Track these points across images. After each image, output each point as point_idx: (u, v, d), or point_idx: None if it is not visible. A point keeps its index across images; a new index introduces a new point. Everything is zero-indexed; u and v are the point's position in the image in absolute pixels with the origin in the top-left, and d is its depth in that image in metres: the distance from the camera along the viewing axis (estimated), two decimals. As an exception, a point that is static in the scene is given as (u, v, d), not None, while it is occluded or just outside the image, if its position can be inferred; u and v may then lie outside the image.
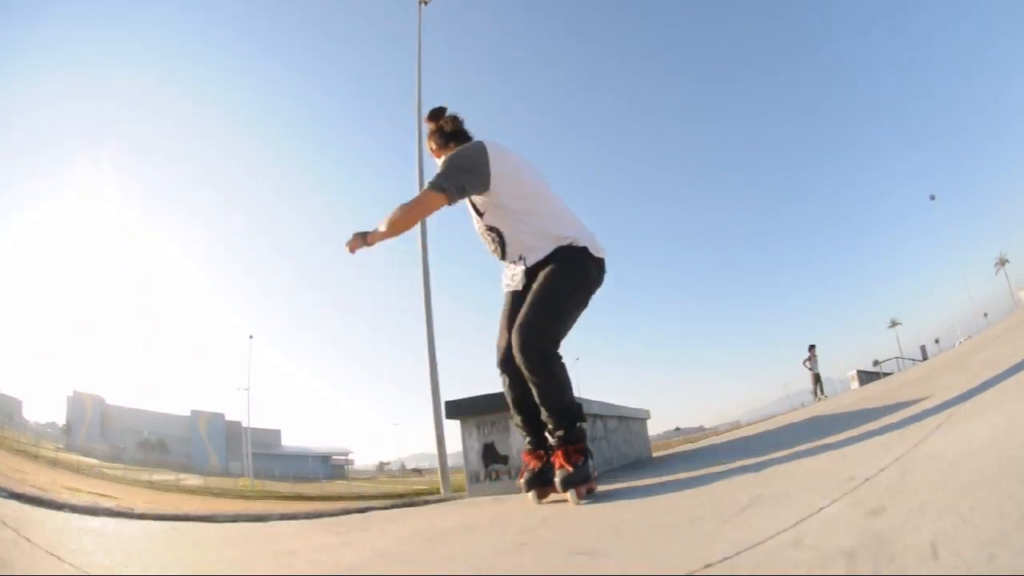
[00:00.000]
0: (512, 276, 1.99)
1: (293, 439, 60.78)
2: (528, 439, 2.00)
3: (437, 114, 2.15)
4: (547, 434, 1.89)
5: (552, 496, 1.92)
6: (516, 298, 1.96)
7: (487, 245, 2.08)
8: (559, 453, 1.81)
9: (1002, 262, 61.42)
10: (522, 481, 1.97)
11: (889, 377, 14.47)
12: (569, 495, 1.77)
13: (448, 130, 2.11)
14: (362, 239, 2.00)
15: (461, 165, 1.91)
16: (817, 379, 14.63)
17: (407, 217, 1.96)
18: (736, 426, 38.14)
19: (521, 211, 1.94)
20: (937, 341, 22.22)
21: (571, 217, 2.02)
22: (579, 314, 1.94)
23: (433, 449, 8.11)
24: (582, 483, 1.77)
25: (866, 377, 18.61)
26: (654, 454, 4.98)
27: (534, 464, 1.95)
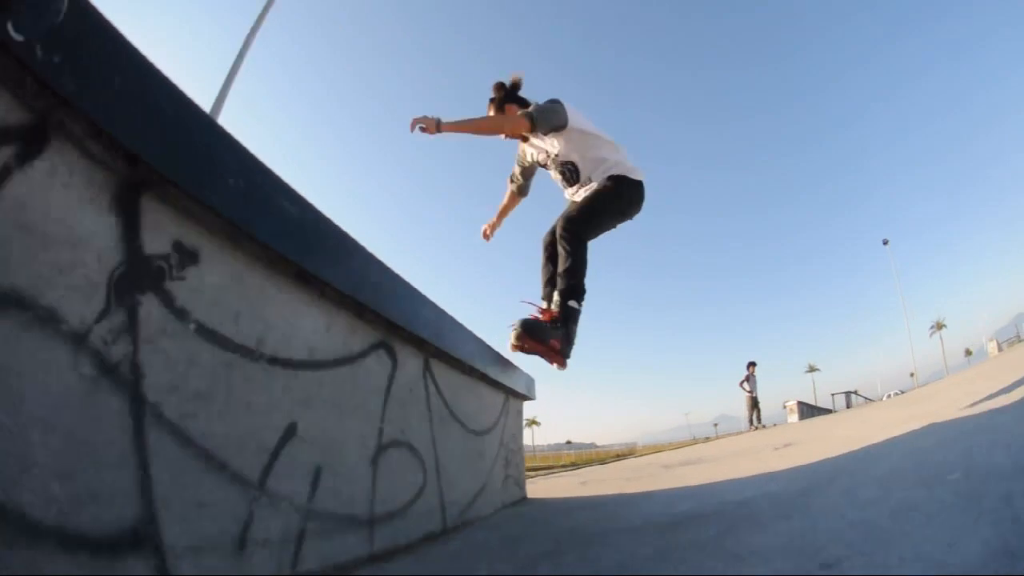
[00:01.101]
0: (576, 193, 2.48)
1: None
2: (543, 291, 2.48)
3: (501, 84, 2.51)
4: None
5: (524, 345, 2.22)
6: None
7: (559, 180, 2.54)
8: (544, 310, 2.30)
9: (939, 326, 64.10)
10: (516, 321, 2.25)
11: (831, 414, 14.14)
12: (512, 334, 2.17)
13: (510, 89, 2.50)
14: (435, 124, 2.12)
15: (548, 107, 2.33)
16: (755, 404, 12.92)
17: (494, 125, 2.35)
18: (632, 448, 37.44)
19: (588, 144, 2.39)
20: (855, 392, 22.71)
21: (618, 147, 2.47)
22: (611, 224, 2.45)
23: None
24: (533, 337, 2.16)
25: (807, 410, 18.17)
26: (532, 470, 5.17)
27: (534, 316, 2.29)
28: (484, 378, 2.79)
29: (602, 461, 11.31)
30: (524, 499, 3.39)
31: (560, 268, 2.26)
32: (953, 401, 3.45)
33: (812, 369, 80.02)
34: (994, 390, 3.17)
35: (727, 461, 3.58)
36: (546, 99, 2.37)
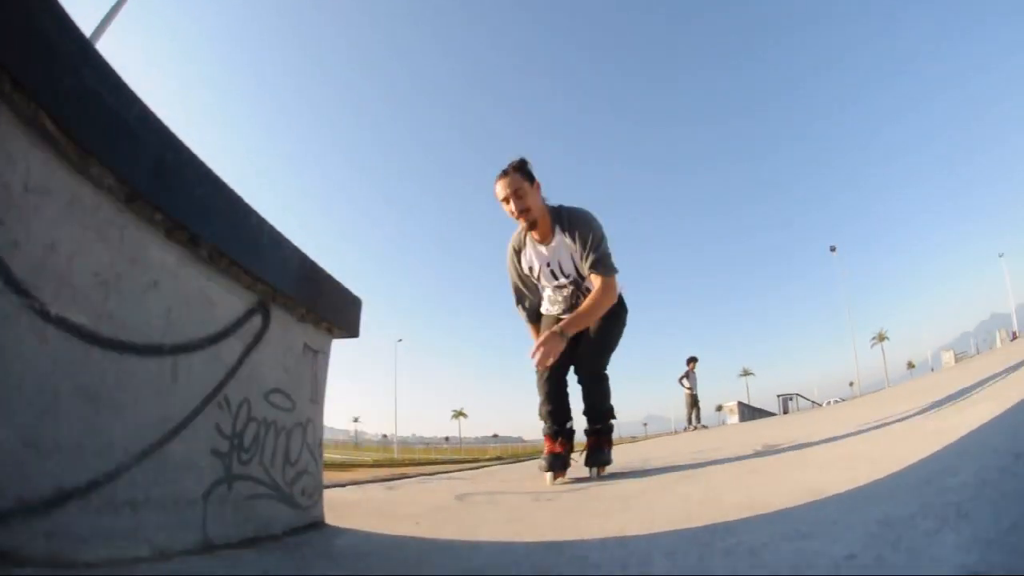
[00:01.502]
0: (565, 310, 2.48)
1: None
2: (551, 426, 2.48)
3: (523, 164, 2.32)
4: (584, 426, 2.56)
5: (565, 476, 2.42)
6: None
7: (560, 299, 2.48)
8: (594, 439, 2.54)
9: (881, 338, 66.79)
10: (543, 461, 2.42)
11: (773, 417, 13.84)
12: (593, 471, 2.49)
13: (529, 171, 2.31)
14: (558, 338, 2.14)
15: (609, 253, 2.30)
16: (694, 402, 12.04)
17: (606, 303, 2.26)
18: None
19: None
20: (792, 397, 22.23)
21: None
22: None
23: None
24: (604, 464, 2.53)
25: (749, 412, 17.39)
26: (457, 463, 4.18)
27: (554, 448, 2.45)
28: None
29: (529, 456, 10.71)
30: (314, 526, 1.50)
31: (592, 400, 2.53)
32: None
33: (746, 373, 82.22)
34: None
35: (669, 482, 2.06)
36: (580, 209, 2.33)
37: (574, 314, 2.20)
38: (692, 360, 12.30)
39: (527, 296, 2.56)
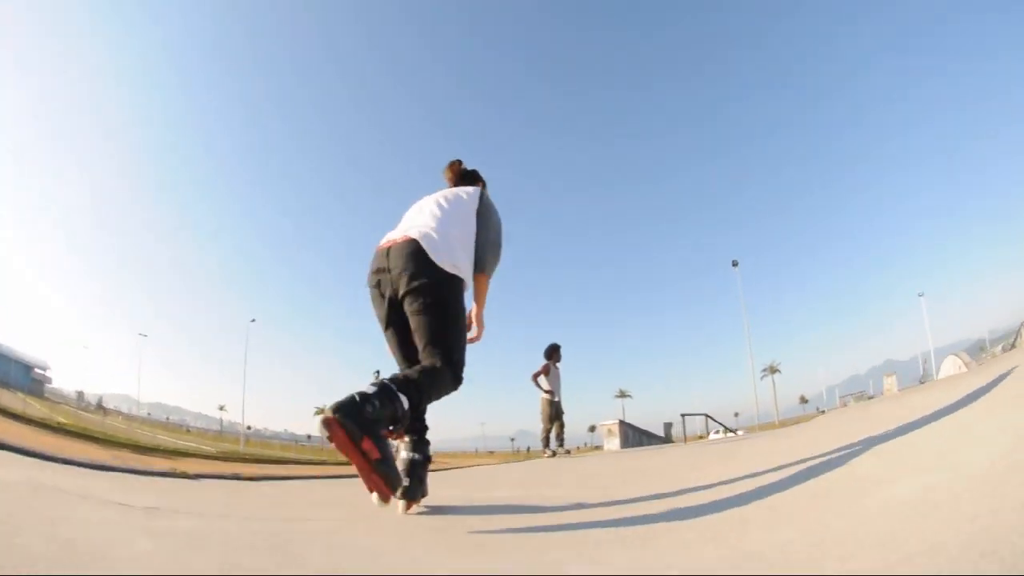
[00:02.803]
0: None
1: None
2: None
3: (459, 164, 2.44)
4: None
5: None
6: None
7: None
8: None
9: (772, 370, 70.52)
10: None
11: (667, 446, 10.98)
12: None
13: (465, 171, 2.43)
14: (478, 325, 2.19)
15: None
16: (556, 414, 7.45)
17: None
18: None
19: None
20: (672, 425, 20.57)
21: None
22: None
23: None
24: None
25: (633, 435, 15.02)
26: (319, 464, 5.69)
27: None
28: None
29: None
30: None
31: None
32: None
33: (623, 395, 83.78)
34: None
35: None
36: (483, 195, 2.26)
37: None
38: (553, 350, 7.69)
39: None
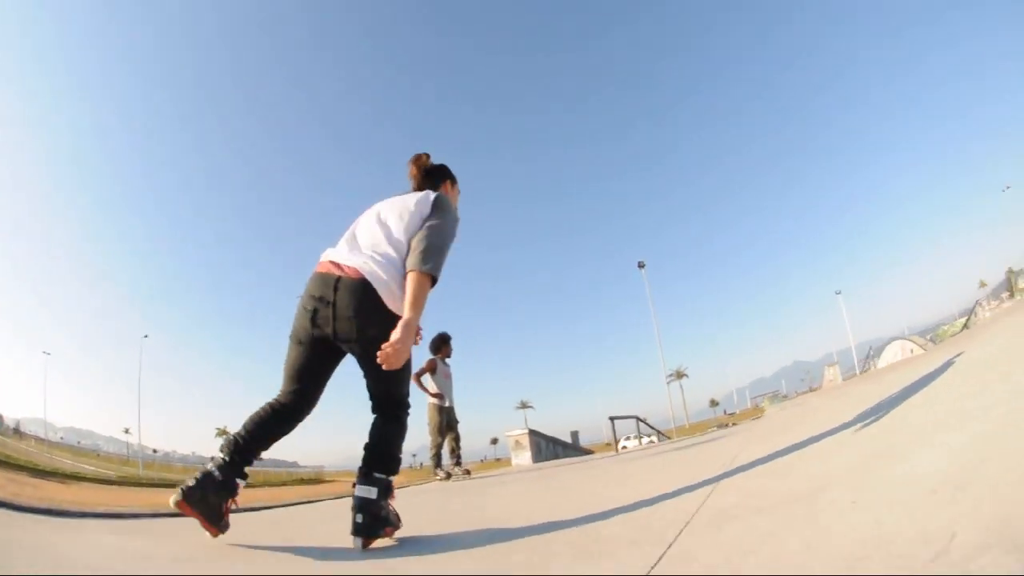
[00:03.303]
0: None
1: None
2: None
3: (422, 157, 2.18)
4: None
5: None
6: None
7: None
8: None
9: (679, 375, 71.12)
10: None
11: (587, 458, 9.91)
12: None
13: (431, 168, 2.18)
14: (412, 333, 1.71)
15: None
16: (448, 422, 5.94)
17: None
18: (319, 473, 33.28)
19: None
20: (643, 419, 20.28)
21: None
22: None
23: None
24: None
25: (546, 446, 13.44)
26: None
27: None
28: None
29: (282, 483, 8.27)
30: None
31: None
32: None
33: (524, 405, 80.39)
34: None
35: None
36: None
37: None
38: (442, 342, 6.10)
39: None
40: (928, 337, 28.83)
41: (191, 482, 1.62)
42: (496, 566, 1.23)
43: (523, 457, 12.55)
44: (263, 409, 1.76)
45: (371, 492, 1.68)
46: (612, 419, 9.95)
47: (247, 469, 1.76)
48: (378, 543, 1.67)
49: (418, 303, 1.65)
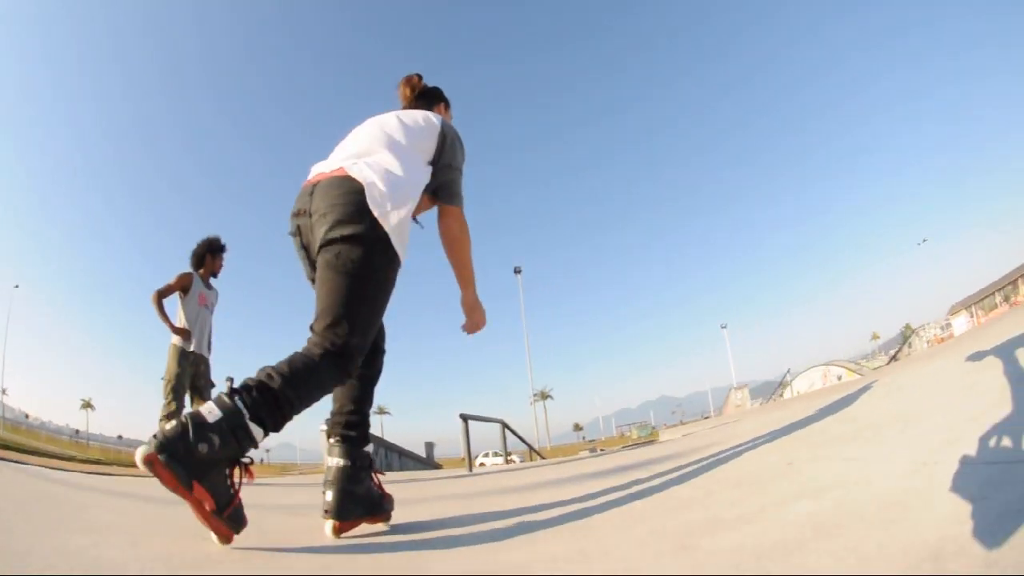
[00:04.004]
0: None
1: None
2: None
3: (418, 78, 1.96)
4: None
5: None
6: None
7: None
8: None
9: (543, 395, 73.49)
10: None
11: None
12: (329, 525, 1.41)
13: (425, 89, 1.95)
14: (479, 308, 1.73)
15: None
16: (192, 383, 3.93)
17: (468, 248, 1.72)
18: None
19: None
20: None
21: None
22: None
23: None
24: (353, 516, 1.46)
25: (388, 456, 10.38)
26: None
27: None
28: None
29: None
30: None
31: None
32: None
33: (382, 411, 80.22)
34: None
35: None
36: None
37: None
38: (209, 250, 4.22)
39: None
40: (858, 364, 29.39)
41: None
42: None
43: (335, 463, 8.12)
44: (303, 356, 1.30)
45: (345, 463, 1.41)
46: (465, 419, 6.81)
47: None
48: (358, 530, 1.38)
49: (468, 262, 1.65)
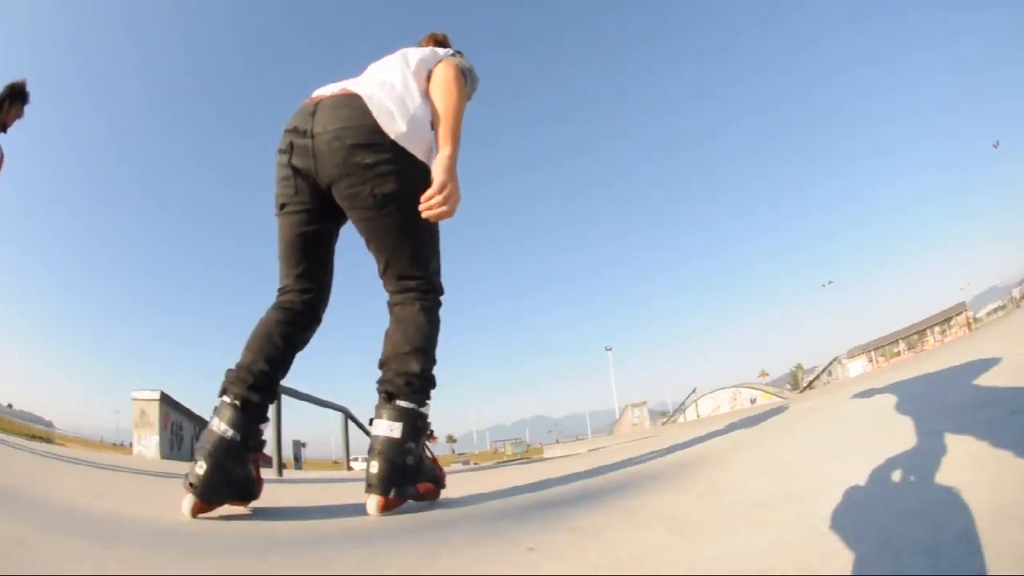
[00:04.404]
0: None
1: None
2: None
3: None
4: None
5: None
6: None
7: None
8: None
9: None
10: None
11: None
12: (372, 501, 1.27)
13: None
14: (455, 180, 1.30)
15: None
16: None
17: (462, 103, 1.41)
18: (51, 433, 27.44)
19: None
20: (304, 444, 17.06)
21: None
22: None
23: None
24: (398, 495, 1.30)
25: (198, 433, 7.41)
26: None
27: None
28: None
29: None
30: None
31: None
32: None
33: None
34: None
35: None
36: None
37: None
38: (8, 97, 2.90)
39: None
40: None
41: (201, 468, 1.13)
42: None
43: (148, 443, 6.87)
44: (267, 318, 1.29)
45: (393, 429, 1.21)
46: (346, 416, 6.09)
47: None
48: (404, 507, 1.23)
49: (456, 127, 1.31)
